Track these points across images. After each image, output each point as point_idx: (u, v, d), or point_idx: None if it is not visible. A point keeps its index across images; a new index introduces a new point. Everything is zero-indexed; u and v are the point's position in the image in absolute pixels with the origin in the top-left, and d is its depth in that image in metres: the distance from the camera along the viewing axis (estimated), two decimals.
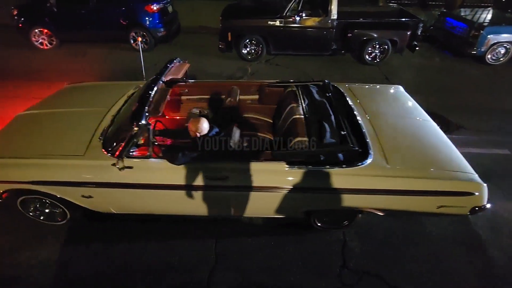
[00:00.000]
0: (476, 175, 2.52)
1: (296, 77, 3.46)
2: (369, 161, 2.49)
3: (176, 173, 2.48)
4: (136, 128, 2.38)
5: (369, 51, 6.48)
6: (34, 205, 2.91)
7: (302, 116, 2.71)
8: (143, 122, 2.40)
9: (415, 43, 6.44)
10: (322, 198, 2.59)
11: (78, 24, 6.76)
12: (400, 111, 3.31)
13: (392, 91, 3.76)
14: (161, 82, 2.96)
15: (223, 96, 3.35)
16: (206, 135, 2.47)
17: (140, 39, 4.16)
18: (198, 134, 2.45)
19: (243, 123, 3.32)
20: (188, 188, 2.53)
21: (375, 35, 6.27)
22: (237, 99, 3.27)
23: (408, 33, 6.27)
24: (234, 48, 6.51)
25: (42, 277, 2.64)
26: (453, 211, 2.58)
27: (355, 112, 3.01)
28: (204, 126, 2.46)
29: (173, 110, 3.74)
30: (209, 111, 3.48)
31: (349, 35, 6.28)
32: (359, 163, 2.46)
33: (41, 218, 3.00)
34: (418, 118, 3.18)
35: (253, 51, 6.54)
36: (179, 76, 3.38)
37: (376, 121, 2.96)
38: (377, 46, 6.42)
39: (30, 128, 3.03)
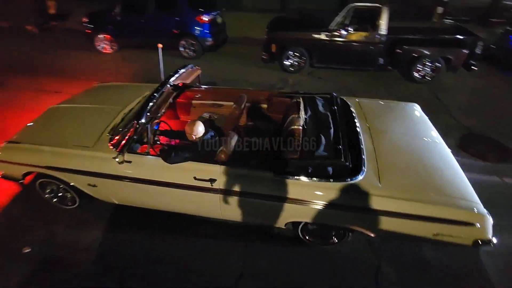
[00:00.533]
0: (481, 205, 2.29)
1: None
2: (359, 177, 2.41)
3: (168, 171, 2.62)
4: (136, 126, 2.62)
5: (419, 68, 6.15)
6: (50, 188, 3.21)
7: (300, 127, 2.67)
8: (143, 120, 2.63)
9: (472, 62, 5.97)
10: (305, 211, 2.51)
11: (136, 32, 7.36)
12: (409, 130, 3.13)
13: (406, 109, 3.57)
14: (168, 85, 3.17)
15: (232, 103, 3.44)
16: (201, 137, 2.61)
17: (160, 45, 4.11)
18: (193, 137, 2.60)
19: (247, 130, 3.42)
20: (178, 186, 2.64)
21: (427, 52, 5.94)
22: (242, 106, 3.30)
23: (465, 51, 5.84)
24: (277, 59, 6.60)
25: (83, 261, 2.87)
26: (452, 241, 2.35)
27: (357, 127, 2.93)
28: (199, 129, 2.61)
29: (185, 113, 3.89)
30: (218, 116, 3.58)
31: (398, 51, 6.03)
32: (348, 179, 2.39)
33: (54, 200, 3.30)
34: (427, 139, 2.99)
35: (296, 63, 6.57)
36: (189, 81, 3.59)
37: (379, 138, 2.88)
38: (428, 64, 6.07)
39: (55, 119, 3.40)
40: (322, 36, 6.21)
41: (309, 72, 6.72)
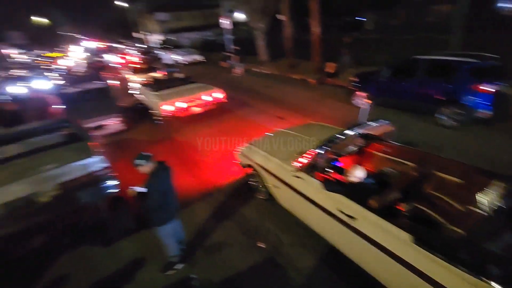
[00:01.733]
0: None
1: None
2: None
3: (322, 195, 3.18)
4: (313, 154, 3.38)
5: None
6: (254, 180, 4.57)
7: (484, 213, 2.50)
8: (319, 151, 3.39)
9: None
10: None
11: (395, 93, 7.53)
12: None
13: None
14: (353, 132, 3.69)
15: (415, 165, 3.43)
16: (359, 180, 3.14)
17: (369, 101, 4.23)
18: (351, 178, 3.16)
19: (421, 195, 3.13)
20: (322, 209, 3.14)
21: None
22: (422, 170, 3.31)
23: None
24: None
25: (288, 277, 3.21)
26: None
27: None
28: (358, 173, 3.17)
29: (368, 161, 4.03)
30: (398, 173, 3.55)
31: None
32: None
33: (251, 188, 4.67)
34: None
35: None
36: (378, 133, 3.98)
37: None
38: None
39: (276, 136, 4.78)
40: None
41: None
